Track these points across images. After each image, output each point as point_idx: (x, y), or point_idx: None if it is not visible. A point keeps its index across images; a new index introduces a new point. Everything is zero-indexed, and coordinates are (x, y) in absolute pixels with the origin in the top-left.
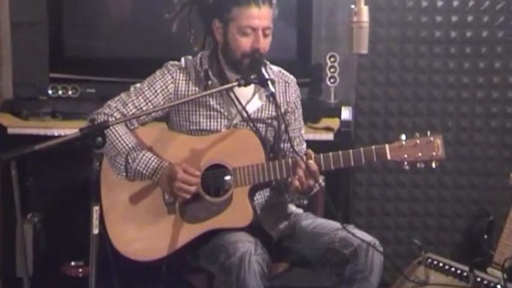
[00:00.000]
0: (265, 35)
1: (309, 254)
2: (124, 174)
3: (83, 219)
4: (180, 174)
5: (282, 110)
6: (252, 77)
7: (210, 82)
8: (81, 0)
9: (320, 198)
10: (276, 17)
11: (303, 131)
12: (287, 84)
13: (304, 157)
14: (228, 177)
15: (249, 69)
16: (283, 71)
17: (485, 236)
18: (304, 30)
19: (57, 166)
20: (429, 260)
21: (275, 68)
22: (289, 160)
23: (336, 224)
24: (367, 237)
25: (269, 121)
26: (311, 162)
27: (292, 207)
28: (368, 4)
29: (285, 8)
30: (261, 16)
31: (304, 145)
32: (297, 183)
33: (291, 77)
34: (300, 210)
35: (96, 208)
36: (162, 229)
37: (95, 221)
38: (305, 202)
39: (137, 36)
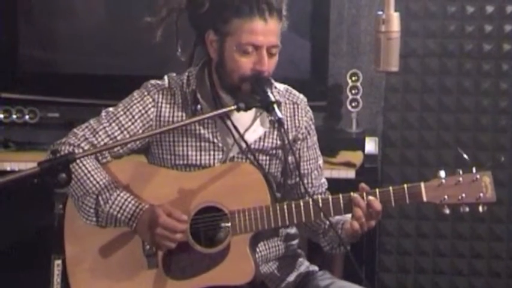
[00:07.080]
0: (270, 55)
1: None
2: (94, 219)
3: (42, 276)
4: (162, 218)
5: (290, 137)
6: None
7: (199, 106)
8: (40, 4)
9: (338, 252)
10: (284, 30)
11: (320, 162)
12: (296, 106)
13: (317, 196)
14: (224, 223)
15: (250, 90)
16: (291, 89)
17: None
18: (320, 43)
19: (9, 210)
20: None
21: (281, 87)
22: (301, 202)
23: None
24: None
25: (273, 152)
26: (373, 199)
27: (305, 262)
28: (399, 10)
29: (296, 15)
30: (266, 32)
31: (324, 180)
32: (356, 226)
33: (301, 96)
34: (315, 267)
35: (58, 262)
36: (140, 287)
37: (57, 278)
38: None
39: (111, 48)
